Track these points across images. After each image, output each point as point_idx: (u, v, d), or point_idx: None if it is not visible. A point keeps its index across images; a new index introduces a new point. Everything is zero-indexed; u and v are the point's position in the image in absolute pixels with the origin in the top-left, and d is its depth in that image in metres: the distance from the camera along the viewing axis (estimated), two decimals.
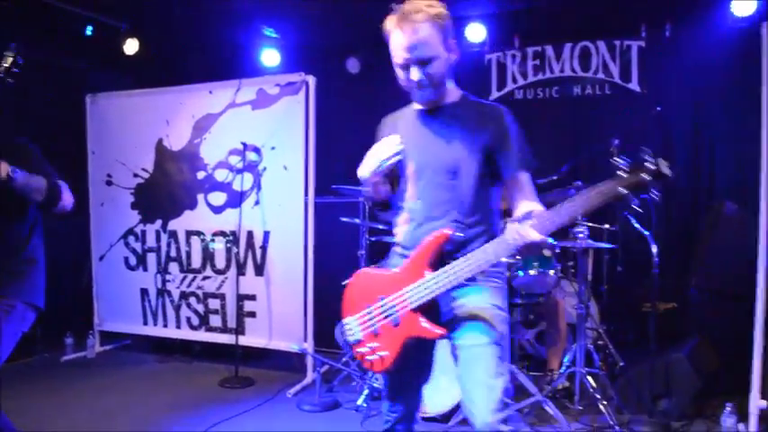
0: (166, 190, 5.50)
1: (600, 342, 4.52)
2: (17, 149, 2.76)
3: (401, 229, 2.34)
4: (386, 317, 2.24)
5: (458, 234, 2.17)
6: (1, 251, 2.74)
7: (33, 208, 2.85)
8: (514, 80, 5.75)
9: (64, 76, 5.98)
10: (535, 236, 1.98)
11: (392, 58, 2.24)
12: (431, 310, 2.18)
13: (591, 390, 3.91)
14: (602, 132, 4.71)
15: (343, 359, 4.79)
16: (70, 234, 5.60)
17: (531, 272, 4.04)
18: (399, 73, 2.25)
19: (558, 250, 4.30)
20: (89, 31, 5.90)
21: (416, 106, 2.35)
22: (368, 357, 2.28)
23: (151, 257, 5.58)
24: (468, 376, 2.14)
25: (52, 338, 5.46)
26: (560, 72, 5.63)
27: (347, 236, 5.01)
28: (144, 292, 5.60)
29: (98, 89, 5.86)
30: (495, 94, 5.78)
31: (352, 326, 2.34)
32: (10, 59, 2.63)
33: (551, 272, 4.08)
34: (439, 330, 2.15)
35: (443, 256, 2.17)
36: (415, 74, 2.19)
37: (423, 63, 2.17)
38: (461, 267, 2.10)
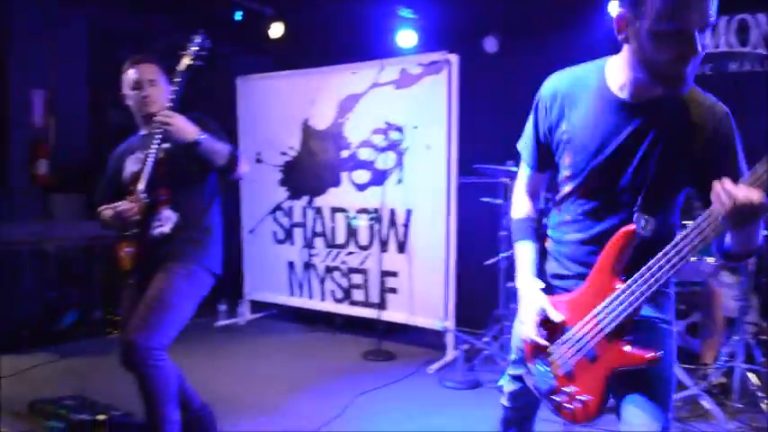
0: (312, 168, 5.59)
1: (762, 337, 4.17)
2: (195, 121, 2.83)
3: (559, 236, 1.89)
4: (577, 351, 1.76)
5: (644, 230, 1.69)
6: (182, 220, 2.85)
7: (213, 178, 2.95)
8: None
9: (214, 61, 6.17)
10: (755, 196, 1.40)
11: (648, 23, 1.52)
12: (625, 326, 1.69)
13: (752, 387, 3.62)
14: (763, 111, 4.32)
15: (484, 339, 4.71)
16: (223, 208, 5.83)
17: None
18: (652, 48, 1.54)
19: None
20: (238, 16, 6.05)
21: (614, 89, 1.71)
22: (566, 406, 1.78)
23: (298, 232, 5.71)
24: (628, 407, 1.72)
25: (207, 305, 5.71)
26: (714, 48, 5.19)
27: (488, 216, 4.90)
28: (291, 264, 5.75)
29: (244, 72, 6.01)
30: None
31: (542, 370, 1.86)
32: (197, 44, 2.76)
33: (710, 259, 3.78)
34: (651, 354, 1.64)
35: (631, 259, 1.70)
36: (697, 45, 1.50)
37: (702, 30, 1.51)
38: (660, 265, 1.59)
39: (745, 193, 1.41)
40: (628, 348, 1.67)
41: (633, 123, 1.68)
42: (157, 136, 2.72)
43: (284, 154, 5.76)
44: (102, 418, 3.43)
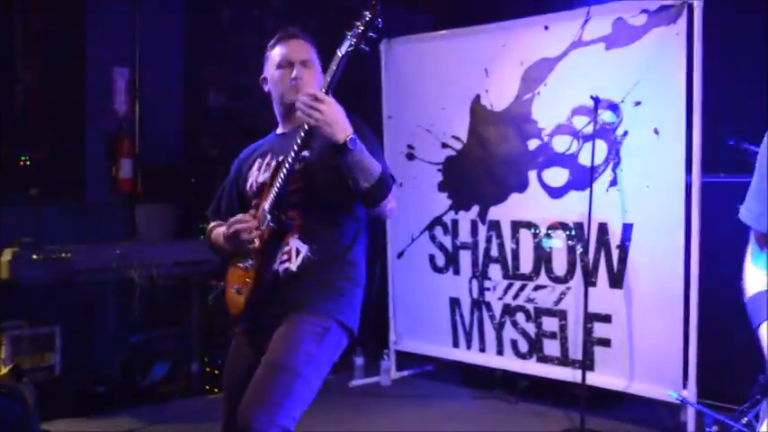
0: (485, 165, 5.60)
1: None
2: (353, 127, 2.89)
3: None
4: None
5: None
6: (316, 256, 2.89)
7: (360, 207, 2.99)
8: None
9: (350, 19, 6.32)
10: None
11: None
12: None
13: None
14: None
15: (745, 419, 4.42)
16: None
17: None
18: None
19: None
20: None
21: None
22: None
23: (465, 257, 5.72)
24: None
25: (341, 357, 5.82)
26: None
27: (747, 232, 4.62)
28: (454, 302, 5.77)
29: (395, 33, 6.10)
30: None
31: None
32: (366, 21, 2.74)
33: None
34: None
35: None
36: None
37: None
38: None
39: None
40: None
41: None
42: (299, 138, 2.77)
43: (446, 146, 5.79)
44: None
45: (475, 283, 5.65)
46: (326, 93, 2.74)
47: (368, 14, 2.76)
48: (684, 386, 4.60)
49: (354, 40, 2.75)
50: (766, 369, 2.04)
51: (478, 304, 5.63)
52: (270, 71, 3.06)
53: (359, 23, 2.76)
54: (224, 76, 6.83)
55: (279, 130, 3.14)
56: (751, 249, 2.13)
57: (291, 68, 2.98)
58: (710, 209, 4.68)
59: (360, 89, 6.02)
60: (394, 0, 6.64)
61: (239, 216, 2.93)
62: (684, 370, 4.62)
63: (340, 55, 2.75)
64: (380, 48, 6.07)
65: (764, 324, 2.02)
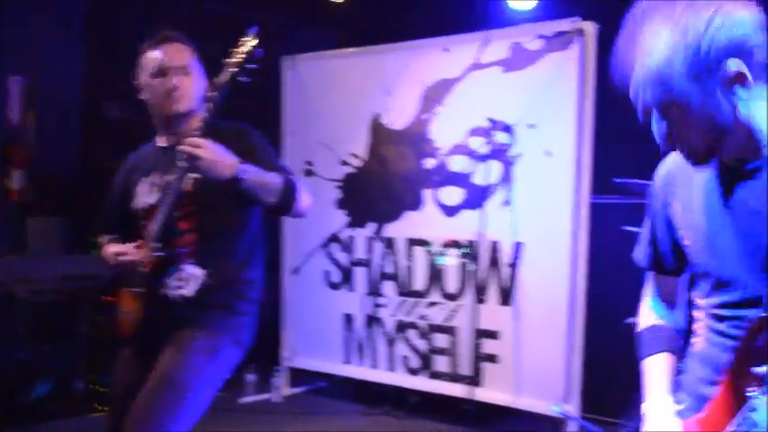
0: (383, 183, 5.73)
1: None
2: (237, 139, 2.88)
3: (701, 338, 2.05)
4: None
5: None
6: (211, 278, 2.91)
7: (257, 219, 3.01)
8: None
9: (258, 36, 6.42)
10: None
11: None
12: None
13: None
14: None
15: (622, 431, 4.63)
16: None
17: None
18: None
19: None
20: None
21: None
22: None
23: (360, 273, 5.83)
24: None
25: (231, 373, 5.84)
26: None
27: (632, 252, 4.83)
28: (348, 318, 5.86)
29: (298, 50, 6.22)
30: None
31: None
32: (244, 50, 2.71)
33: None
34: None
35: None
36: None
37: None
38: None
39: None
40: None
41: (735, 196, 1.83)
42: (183, 161, 2.73)
43: (345, 164, 5.92)
44: None
45: (369, 299, 5.76)
46: (210, 121, 2.71)
47: (246, 43, 2.72)
48: (567, 400, 4.75)
49: (234, 69, 2.69)
50: (640, 397, 2.07)
51: (371, 320, 5.74)
52: (144, 78, 2.94)
53: (238, 52, 2.71)
54: (124, 87, 6.78)
55: (160, 143, 3.06)
56: (646, 286, 2.21)
57: (168, 77, 2.88)
58: (599, 230, 4.86)
59: (261, 105, 6.10)
60: (299, 17, 6.77)
61: (122, 248, 2.91)
62: (567, 385, 4.78)
63: (218, 84, 2.69)
64: (282, 64, 6.18)
65: (648, 359, 2.10)
